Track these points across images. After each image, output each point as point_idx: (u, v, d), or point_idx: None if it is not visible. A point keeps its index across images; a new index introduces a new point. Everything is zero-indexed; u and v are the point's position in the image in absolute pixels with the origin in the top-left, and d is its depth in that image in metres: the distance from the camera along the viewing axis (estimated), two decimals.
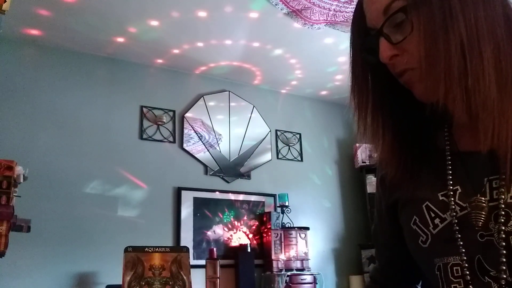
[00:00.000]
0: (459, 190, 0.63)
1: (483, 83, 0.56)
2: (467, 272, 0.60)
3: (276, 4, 3.24)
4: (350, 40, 0.71)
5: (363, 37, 0.68)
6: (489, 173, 0.62)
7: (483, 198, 0.60)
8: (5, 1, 1.93)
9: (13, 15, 3.00)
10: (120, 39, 3.60)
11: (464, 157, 0.66)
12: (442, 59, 0.57)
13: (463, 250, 0.61)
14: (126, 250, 0.76)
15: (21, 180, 2.08)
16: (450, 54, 0.56)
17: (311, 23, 3.50)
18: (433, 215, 0.65)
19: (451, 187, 0.64)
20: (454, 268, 0.62)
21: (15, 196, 2.01)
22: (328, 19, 3.45)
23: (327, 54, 4.00)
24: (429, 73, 0.58)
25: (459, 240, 0.61)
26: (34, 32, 3.43)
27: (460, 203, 0.63)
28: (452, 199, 0.63)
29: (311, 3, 3.27)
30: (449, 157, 0.67)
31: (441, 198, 0.65)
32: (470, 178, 0.63)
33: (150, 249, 0.73)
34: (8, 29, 3.25)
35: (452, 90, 0.57)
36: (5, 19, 2.27)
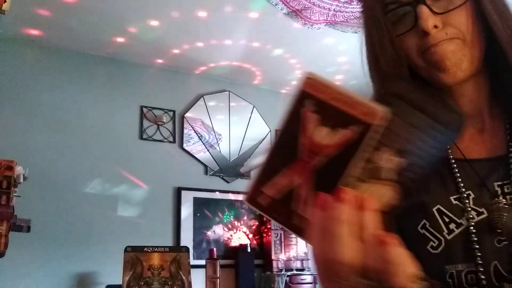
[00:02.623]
0: (472, 195, 0.61)
1: None
2: (484, 281, 0.58)
3: (276, 4, 3.24)
4: (366, 10, 0.68)
5: (389, 9, 0.65)
6: (498, 179, 0.61)
7: (504, 200, 0.59)
8: (5, 1, 1.93)
9: (13, 15, 3.00)
10: (120, 39, 3.60)
11: (469, 163, 0.64)
12: (502, 37, 0.58)
13: (479, 257, 0.59)
14: (125, 250, 0.75)
15: (21, 180, 2.08)
16: (501, 42, 0.58)
17: (311, 23, 3.50)
18: (447, 219, 0.62)
19: (464, 193, 0.62)
20: (469, 275, 0.59)
21: (15, 196, 2.01)
22: (328, 19, 3.45)
23: (327, 54, 4.00)
24: (472, 48, 0.59)
25: (476, 247, 0.59)
26: (34, 32, 3.43)
27: (476, 208, 0.61)
28: (467, 203, 0.61)
29: (311, 3, 3.27)
30: (454, 164, 0.65)
31: (454, 202, 0.62)
32: (479, 184, 0.62)
33: (149, 249, 0.73)
34: (8, 29, 3.25)
35: (481, 75, 0.58)
36: (5, 19, 2.27)
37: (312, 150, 0.37)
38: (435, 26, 0.60)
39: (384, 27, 0.65)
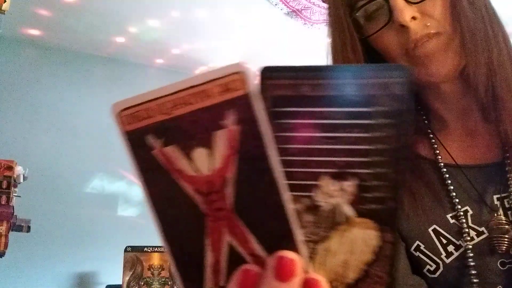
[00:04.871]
0: (470, 212, 0.55)
1: (503, 60, 0.52)
2: None
3: (276, 4, 3.24)
4: (331, 11, 0.61)
5: (355, 4, 0.57)
6: (496, 191, 0.54)
7: (504, 219, 0.52)
8: (5, 1, 1.93)
9: (13, 15, 3.00)
10: (120, 39, 3.60)
11: (462, 171, 0.57)
12: (469, 25, 0.52)
13: (477, 283, 0.52)
14: (125, 250, 0.75)
15: (21, 180, 2.08)
16: (477, 21, 0.52)
17: (311, 23, 3.50)
18: (444, 241, 0.55)
19: (460, 210, 0.55)
20: None
21: (15, 196, 2.01)
22: None
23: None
24: (451, 41, 0.53)
25: (472, 270, 0.52)
26: (34, 32, 3.43)
27: (475, 227, 0.54)
28: (464, 222, 0.54)
29: (311, 3, 3.27)
30: (445, 171, 0.57)
31: (452, 221, 0.55)
32: (477, 198, 0.55)
33: (149, 249, 0.72)
34: (8, 29, 3.24)
35: (477, 59, 0.52)
36: (5, 19, 2.27)
37: (208, 190, 0.23)
38: (413, 18, 0.53)
39: (347, 30, 0.57)
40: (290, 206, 0.23)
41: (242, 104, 0.22)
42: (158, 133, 0.23)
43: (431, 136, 0.60)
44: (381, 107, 0.23)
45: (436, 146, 0.59)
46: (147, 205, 0.25)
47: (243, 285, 0.23)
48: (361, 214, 0.25)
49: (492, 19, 0.55)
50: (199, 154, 0.23)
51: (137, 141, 0.24)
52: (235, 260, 0.23)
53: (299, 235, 0.23)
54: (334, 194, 0.24)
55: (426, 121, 0.62)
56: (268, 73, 0.25)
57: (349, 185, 0.24)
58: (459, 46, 0.54)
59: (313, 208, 0.25)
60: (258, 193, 0.23)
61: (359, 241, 0.25)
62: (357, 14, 0.57)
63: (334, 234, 0.25)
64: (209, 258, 0.24)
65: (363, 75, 0.24)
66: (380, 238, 0.25)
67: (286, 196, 0.23)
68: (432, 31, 0.53)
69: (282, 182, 0.23)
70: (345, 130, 0.24)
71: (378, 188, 0.24)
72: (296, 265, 0.23)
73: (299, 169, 0.24)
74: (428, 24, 0.53)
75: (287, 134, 0.24)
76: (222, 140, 0.22)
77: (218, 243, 0.23)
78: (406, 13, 0.52)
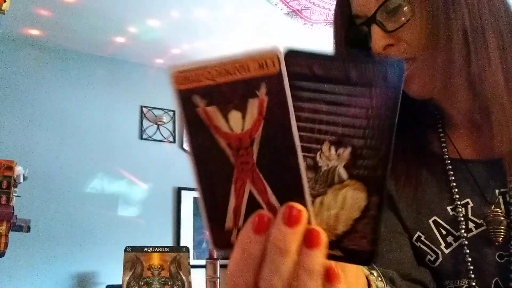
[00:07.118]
0: (470, 204, 0.56)
1: (490, 71, 0.52)
2: None
3: (276, 4, 3.24)
4: (334, 31, 0.64)
5: (348, 27, 0.61)
6: (499, 185, 0.55)
7: (499, 210, 0.53)
8: (5, 1, 1.93)
9: (13, 15, 3.00)
10: (120, 39, 3.60)
11: (466, 166, 0.58)
12: (443, 47, 0.52)
13: (472, 274, 0.53)
14: (125, 250, 0.75)
15: (21, 180, 2.08)
16: (452, 42, 0.52)
17: (311, 23, 3.50)
18: (444, 232, 0.56)
19: (459, 202, 0.56)
20: None
21: (15, 196, 2.01)
22: (328, 19, 3.45)
23: None
24: (428, 63, 0.54)
25: (469, 264, 0.54)
26: (34, 32, 3.43)
27: (475, 219, 0.55)
28: (462, 214, 0.56)
29: (311, 3, 3.27)
30: (450, 165, 0.59)
31: (451, 212, 0.57)
32: (478, 190, 0.56)
33: (149, 249, 0.73)
34: (8, 29, 3.25)
35: (454, 81, 0.53)
36: (5, 19, 2.27)
37: (238, 146, 0.28)
38: (390, 45, 0.55)
39: (343, 45, 0.61)
40: (304, 168, 0.28)
41: (274, 79, 0.27)
42: (203, 95, 0.29)
43: (440, 131, 0.62)
44: (377, 89, 0.29)
45: (444, 140, 0.61)
46: (189, 153, 0.30)
47: (257, 226, 0.28)
48: (353, 177, 0.30)
49: (477, 35, 0.54)
50: (234, 115, 0.28)
51: (185, 99, 0.30)
52: (253, 206, 0.29)
53: (308, 192, 0.28)
54: (333, 158, 0.30)
55: (437, 117, 0.64)
56: (290, 53, 0.29)
57: (345, 151, 0.29)
58: (440, 65, 0.54)
59: (315, 168, 0.30)
60: (278, 153, 0.28)
61: (349, 199, 0.29)
62: (350, 33, 0.61)
63: (329, 191, 0.30)
64: (232, 202, 0.29)
65: (366, 64, 0.29)
66: (368, 199, 0.29)
67: (301, 159, 0.28)
68: (407, 57, 0.55)
69: (299, 146, 0.28)
70: (346, 105, 0.29)
71: (369, 157, 0.29)
72: (302, 215, 0.27)
73: (306, 134, 0.29)
74: (402, 50, 0.55)
75: (299, 104, 0.29)
76: (254, 107, 0.28)
77: (241, 191, 0.29)
78: (378, 43, 0.55)
